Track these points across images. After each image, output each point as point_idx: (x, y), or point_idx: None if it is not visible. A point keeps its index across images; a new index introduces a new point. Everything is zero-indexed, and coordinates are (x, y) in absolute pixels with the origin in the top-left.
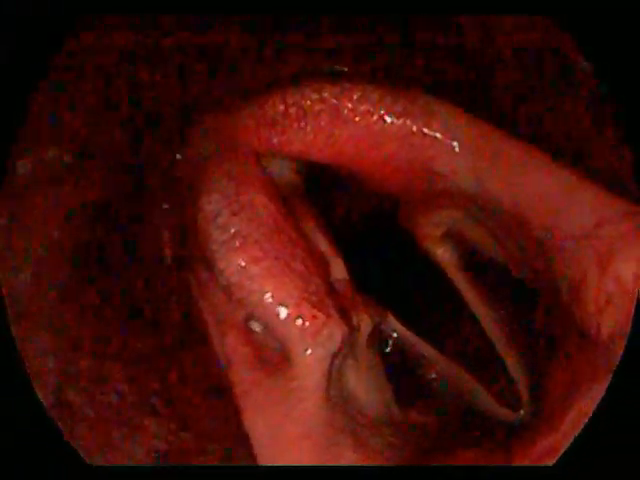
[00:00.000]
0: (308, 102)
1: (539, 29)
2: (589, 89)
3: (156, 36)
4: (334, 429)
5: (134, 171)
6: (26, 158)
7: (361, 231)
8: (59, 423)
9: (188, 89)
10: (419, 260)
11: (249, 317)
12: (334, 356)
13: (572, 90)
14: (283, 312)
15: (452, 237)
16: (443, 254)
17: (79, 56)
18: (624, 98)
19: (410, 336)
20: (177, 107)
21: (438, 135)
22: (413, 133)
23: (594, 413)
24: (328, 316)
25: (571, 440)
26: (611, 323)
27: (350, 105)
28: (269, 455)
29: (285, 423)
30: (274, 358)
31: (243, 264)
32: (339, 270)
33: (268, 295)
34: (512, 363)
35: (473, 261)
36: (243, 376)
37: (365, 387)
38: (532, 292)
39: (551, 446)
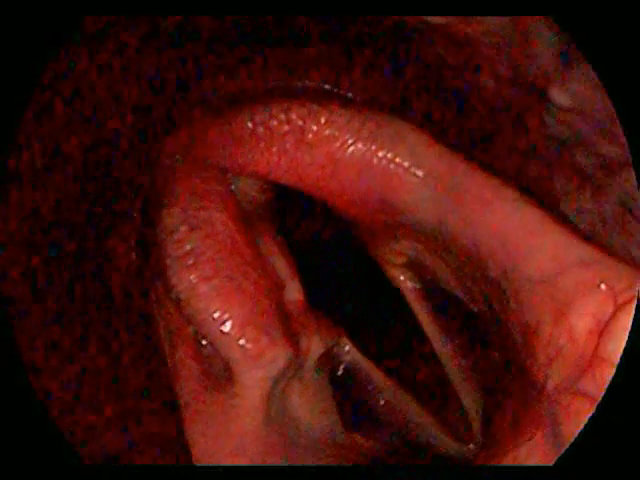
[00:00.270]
0: (275, 122)
1: None
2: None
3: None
4: (270, 448)
5: (105, 180)
6: None
7: (327, 251)
8: None
9: (164, 98)
10: (385, 284)
11: (197, 333)
12: (277, 378)
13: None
14: (227, 333)
15: (414, 266)
16: (404, 282)
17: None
18: (624, 98)
19: (362, 361)
20: (151, 118)
21: (404, 163)
22: (378, 159)
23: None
24: (272, 339)
25: None
26: (558, 377)
27: (315, 128)
28: None
29: (222, 438)
30: (219, 374)
31: (194, 282)
32: (294, 291)
33: (214, 315)
34: (465, 395)
35: (435, 291)
36: (188, 388)
37: (309, 409)
38: (489, 327)
39: None
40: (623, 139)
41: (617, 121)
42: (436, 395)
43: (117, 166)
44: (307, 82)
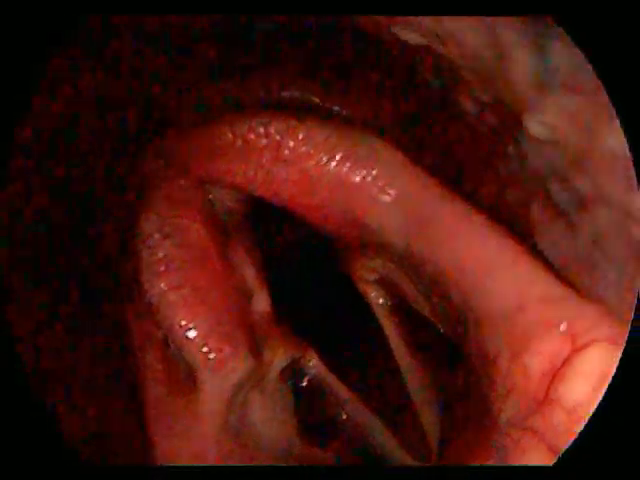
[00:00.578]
0: (253, 136)
1: None
2: None
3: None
4: (229, 454)
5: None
6: None
7: (301, 264)
8: None
9: (154, 105)
10: (356, 299)
11: (166, 337)
12: (237, 387)
13: None
14: (191, 341)
15: (385, 284)
16: (375, 298)
17: None
18: (624, 98)
19: (327, 374)
20: (139, 121)
21: (377, 182)
22: (352, 178)
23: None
24: (235, 349)
25: None
26: (512, 411)
27: (292, 144)
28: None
29: (182, 441)
30: (184, 379)
31: (164, 289)
32: (261, 302)
33: (181, 322)
34: (425, 414)
35: (404, 309)
36: (153, 390)
37: (269, 419)
38: (456, 349)
39: None
40: (597, 174)
41: (591, 155)
42: (398, 412)
43: (103, 166)
44: (289, 93)
